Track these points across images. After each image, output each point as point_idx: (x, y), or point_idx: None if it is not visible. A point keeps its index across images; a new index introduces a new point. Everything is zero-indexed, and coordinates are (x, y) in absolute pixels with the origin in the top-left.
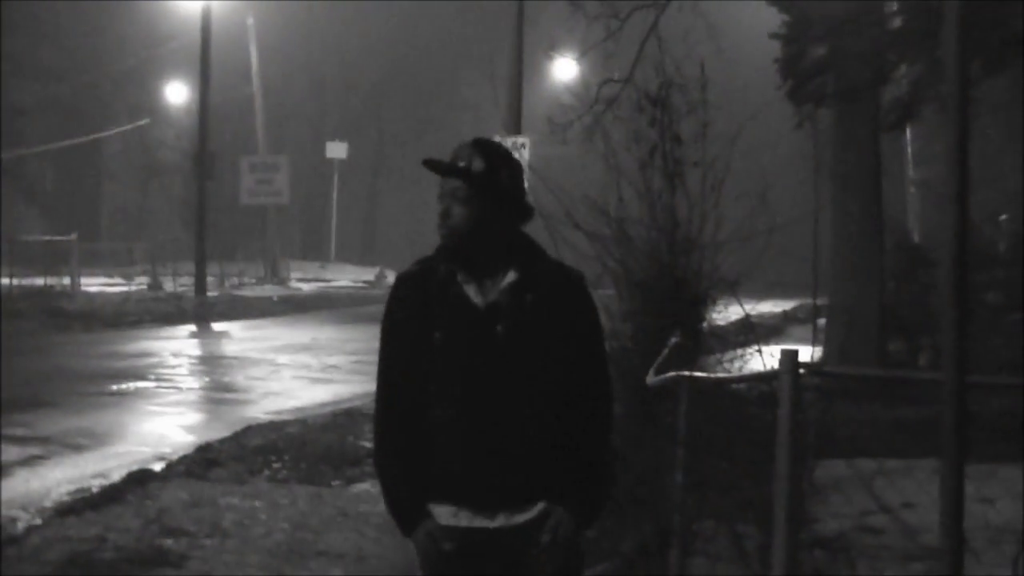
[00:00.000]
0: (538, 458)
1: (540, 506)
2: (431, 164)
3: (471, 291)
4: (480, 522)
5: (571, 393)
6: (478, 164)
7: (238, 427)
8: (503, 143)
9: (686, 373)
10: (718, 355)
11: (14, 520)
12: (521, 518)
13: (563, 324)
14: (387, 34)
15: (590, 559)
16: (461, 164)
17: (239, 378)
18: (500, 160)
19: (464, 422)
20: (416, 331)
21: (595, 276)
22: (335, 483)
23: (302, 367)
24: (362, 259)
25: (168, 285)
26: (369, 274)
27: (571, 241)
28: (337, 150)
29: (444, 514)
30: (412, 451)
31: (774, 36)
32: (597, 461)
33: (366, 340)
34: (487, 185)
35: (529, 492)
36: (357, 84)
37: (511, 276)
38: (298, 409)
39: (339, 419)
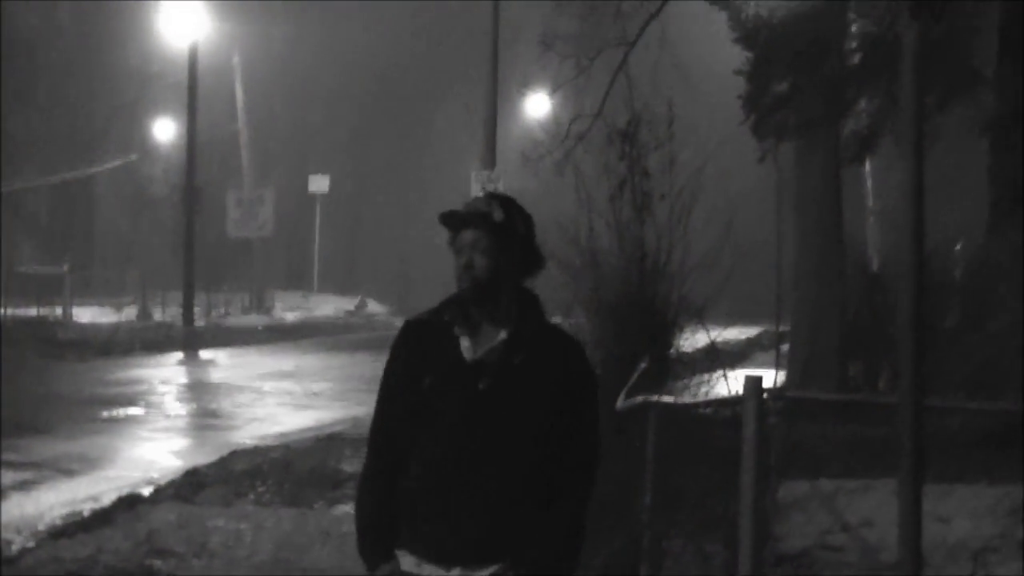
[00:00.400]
0: (503, 518)
1: (495, 568)
2: (450, 217)
3: (464, 344)
4: (438, 573)
5: (550, 461)
6: (499, 214)
7: (224, 452)
8: (479, 175)
9: (654, 398)
10: (685, 380)
11: (9, 542)
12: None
13: (551, 391)
14: (367, 71)
15: None
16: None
17: (225, 404)
18: (517, 211)
19: (437, 473)
20: (409, 377)
21: (566, 304)
22: (317, 505)
23: (286, 394)
24: (344, 289)
25: (157, 314)
26: (350, 304)
27: (545, 271)
28: (319, 184)
29: (409, 563)
30: (391, 493)
31: (738, 73)
32: (563, 531)
33: (347, 367)
34: (508, 235)
35: (489, 550)
36: (339, 119)
37: (503, 334)
38: (282, 434)
39: (321, 444)
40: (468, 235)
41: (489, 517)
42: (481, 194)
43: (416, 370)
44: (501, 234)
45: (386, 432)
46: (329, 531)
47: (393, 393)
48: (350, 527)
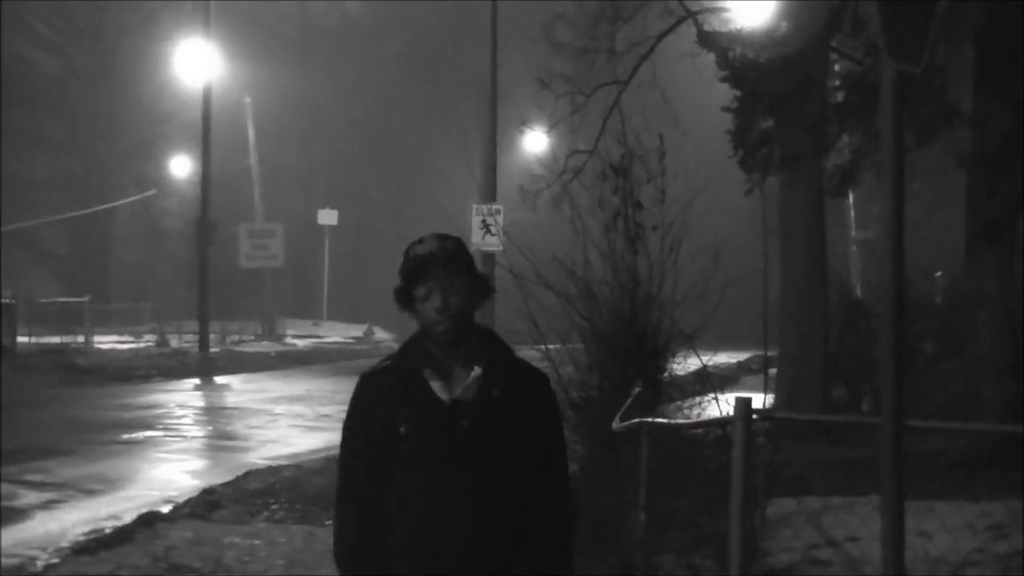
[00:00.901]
0: (500, 552)
1: None
2: (419, 262)
3: (437, 387)
4: None
5: (532, 494)
6: (454, 248)
7: (239, 472)
8: (479, 208)
9: (648, 419)
10: (678, 403)
11: (33, 559)
12: None
13: (527, 424)
14: (370, 109)
15: None
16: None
17: (239, 427)
18: (463, 244)
19: (428, 519)
20: (379, 429)
21: (563, 331)
22: (327, 523)
23: (297, 416)
24: (352, 316)
25: (174, 342)
26: (358, 330)
27: (541, 299)
28: (328, 217)
29: None
30: (372, 548)
31: (726, 110)
32: (561, 559)
33: None
34: (470, 271)
35: None
36: (344, 155)
37: (476, 371)
38: (293, 455)
39: (331, 464)
40: (434, 279)
41: (487, 553)
42: (430, 239)
43: (385, 421)
44: (465, 271)
45: (358, 489)
46: None
47: (361, 449)
48: None
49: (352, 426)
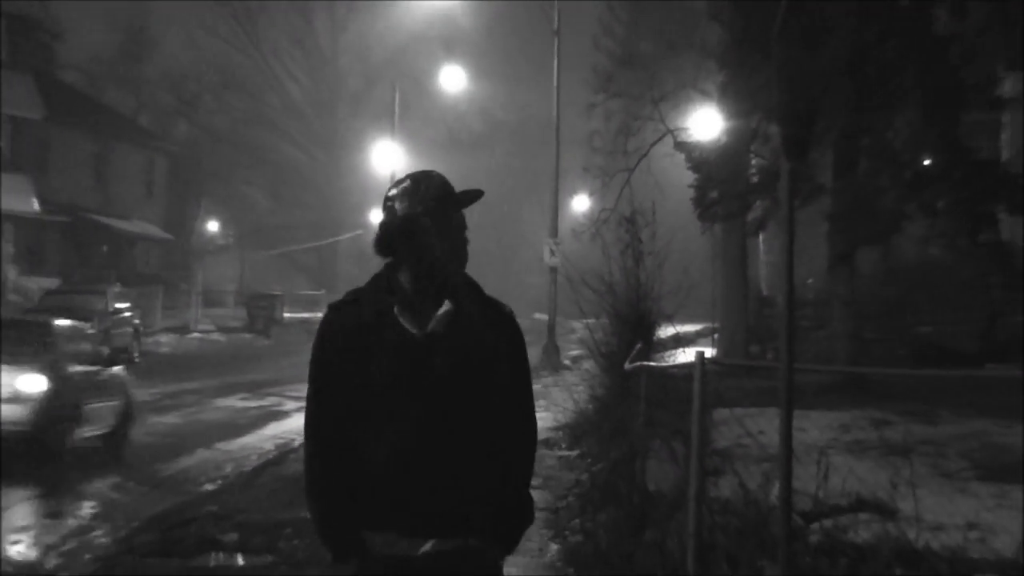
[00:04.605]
0: (469, 489)
1: (461, 540)
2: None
3: (407, 321)
4: (412, 550)
5: (500, 426)
6: (425, 214)
7: None
8: (547, 240)
9: (645, 363)
10: (662, 353)
11: (292, 440)
12: (449, 544)
13: (495, 357)
14: (489, 183)
15: (595, 463)
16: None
17: None
18: (439, 197)
19: (401, 454)
20: (350, 363)
21: (597, 312)
22: None
23: None
24: None
25: None
26: None
27: (584, 294)
28: None
29: (380, 542)
30: (345, 486)
31: (691, 186)
32: (520, 494)
33: None
34: (442, 232)
35: (459, 519)
36: (471, 210)
37: (446, 306)
38: None
39: None
40: (460, 215)
41: (456, 489)
42: (406, 195)
43: (355, 357)
44: (438, 235)
45: (329, 424)
46: None
47: (332, 381)
48: None
49: (321, 359)
